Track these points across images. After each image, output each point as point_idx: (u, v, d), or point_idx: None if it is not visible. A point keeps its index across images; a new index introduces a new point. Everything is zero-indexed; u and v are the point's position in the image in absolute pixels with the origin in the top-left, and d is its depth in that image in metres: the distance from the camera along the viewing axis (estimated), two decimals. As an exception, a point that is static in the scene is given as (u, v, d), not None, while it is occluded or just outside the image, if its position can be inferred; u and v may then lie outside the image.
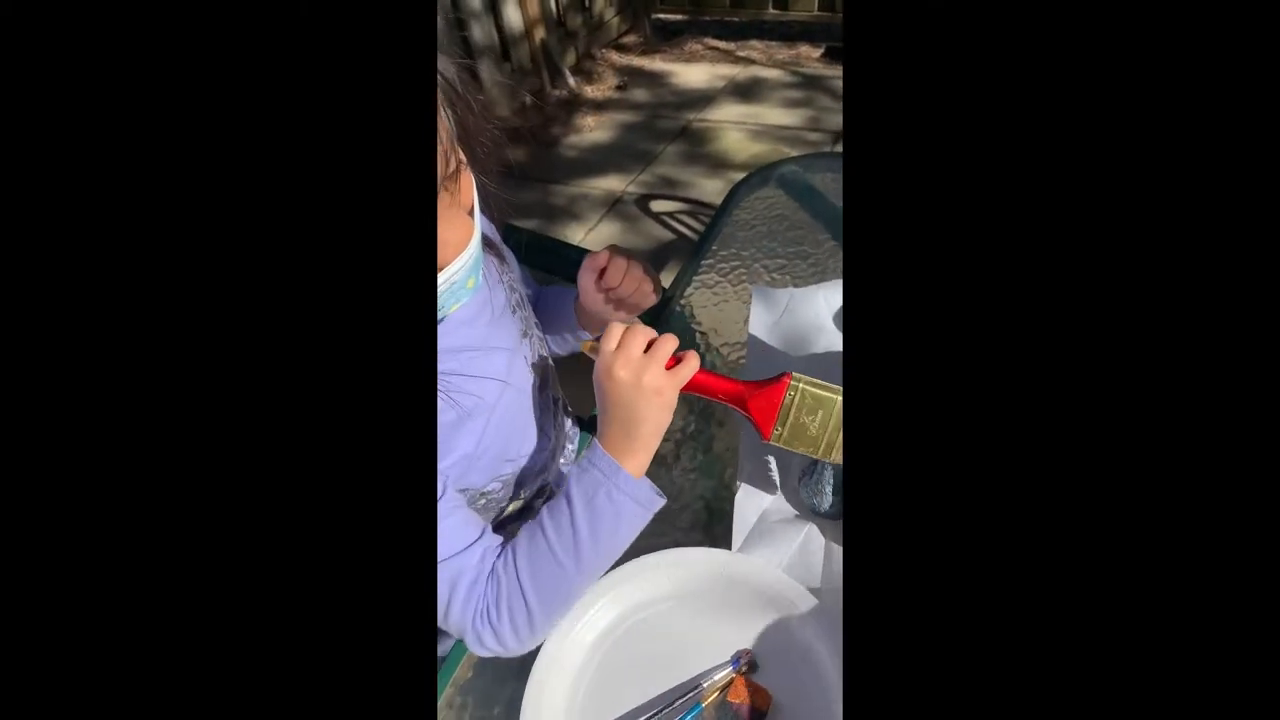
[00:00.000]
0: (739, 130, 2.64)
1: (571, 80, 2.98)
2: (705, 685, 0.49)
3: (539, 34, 2.87)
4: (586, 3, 3.16)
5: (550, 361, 0.64)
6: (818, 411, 0.49)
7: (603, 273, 0.59)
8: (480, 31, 2.64)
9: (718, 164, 2.47)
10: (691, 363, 0.49)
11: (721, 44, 3.27)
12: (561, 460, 0.69)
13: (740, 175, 2.59)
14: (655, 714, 0.48)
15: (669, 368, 0.49)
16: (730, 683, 0.49)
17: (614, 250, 0.58)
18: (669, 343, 0.49)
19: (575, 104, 2.92)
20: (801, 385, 0.49)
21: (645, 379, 0.47)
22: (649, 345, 0.49)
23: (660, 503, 0.50)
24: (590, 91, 3.00)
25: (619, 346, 0.48)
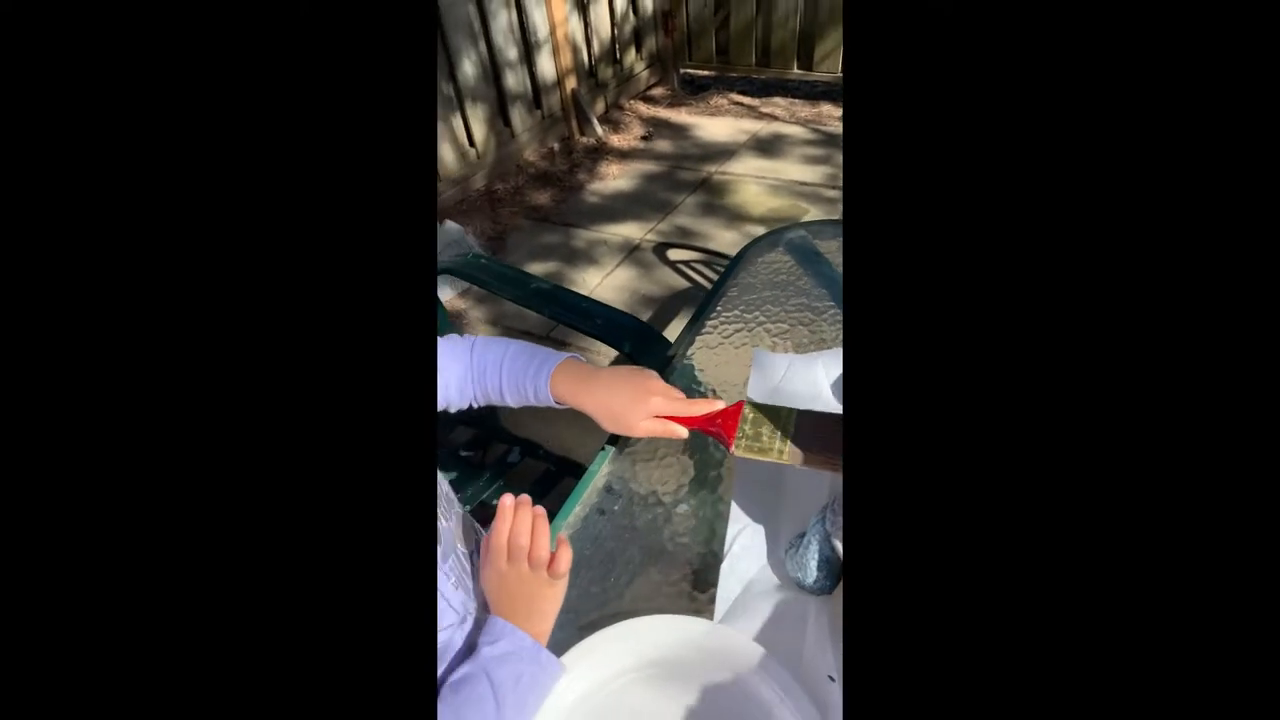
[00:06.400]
0: (758, 184, 2.69)
1: (599, 129, 3.07)
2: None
3: (570, 83, 2.98)
4: (618, 55, 3.28)
5: (454, 519, 0.60)
6: (766, 424, 0.58)
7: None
8: (514, 80, 2.75)
9: (735, 216, 2.51)
10: (566, 550, 0.53)
11: (746, 100, 3.36)
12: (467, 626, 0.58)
13: (757, 228, 2.61)
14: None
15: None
16: (703, 757, 0.49)
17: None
18: (543, 524, 0.54)
19: (601, 152, 3.01)
20: (754, 405, 0.59)
21: (534, 564, 0.52)
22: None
23: (562, 672, 0.52)
24: (616, 140, 3.09)
25: (510, 537, 0.52)
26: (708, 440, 0.66)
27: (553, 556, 0.52)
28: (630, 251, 2.40)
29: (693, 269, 2.26)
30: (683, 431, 0.59)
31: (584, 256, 2.40)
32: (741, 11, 3.17)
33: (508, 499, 0.52)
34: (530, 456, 1.24)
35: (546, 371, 0.61)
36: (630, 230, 2.51)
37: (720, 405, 0.59)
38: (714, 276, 2.21)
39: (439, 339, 0.65)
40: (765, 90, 3.43)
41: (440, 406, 0.65)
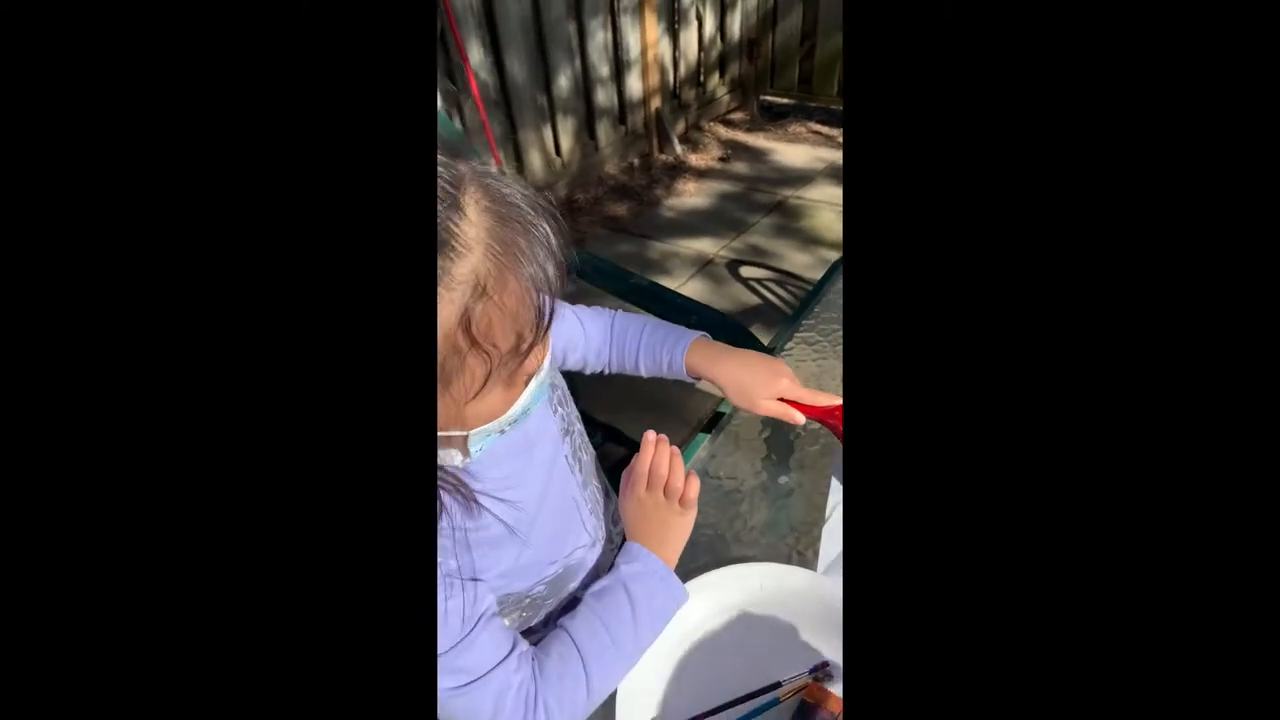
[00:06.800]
0: (833, 211, 2.74)
1: (679, 148, 3.18)
2: (784, 683, 0.55)
3: (655, 103, 3.10)
4: (701, 79, 3.39)
5: (591, 456, 0.66)
6: None
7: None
8: (603, 96, 2.88)
9: (809, 240, 2.57)
10: (695, 480, 0.58)
11: (824, 129, 3.42)
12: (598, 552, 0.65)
13: (831, 253, 2.64)
14: (736, 701, 0.54)
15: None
16: (805, 685, 0.54)
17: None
18: (679, 459, 0.59)
19: (679, 169, 3.11)
20: None
21: (670, 493, 0.57)
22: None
23: (687, 598, 0.58)
24: (695, 160, 3.19)
25: (651, 466, 0.58)
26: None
27: (684, 488, 0.59)
28: (703, 265, 2.47)
29: (765, 287, 2.32)
30: (800, 418, 0.64)
31: (657, 267, 2.49)
32: (828, 44, 3.25)
33: (651, 434, 0.60)
34: (612, 442, 1.32)
35: (684, 344, 0.68)
36: (704, 246, 2.59)
37: (840, 401, 0.64)
38: (786, 295, 2.27)
39: (584, 308, 0.73)
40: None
41: (578, 366, 0.73)
